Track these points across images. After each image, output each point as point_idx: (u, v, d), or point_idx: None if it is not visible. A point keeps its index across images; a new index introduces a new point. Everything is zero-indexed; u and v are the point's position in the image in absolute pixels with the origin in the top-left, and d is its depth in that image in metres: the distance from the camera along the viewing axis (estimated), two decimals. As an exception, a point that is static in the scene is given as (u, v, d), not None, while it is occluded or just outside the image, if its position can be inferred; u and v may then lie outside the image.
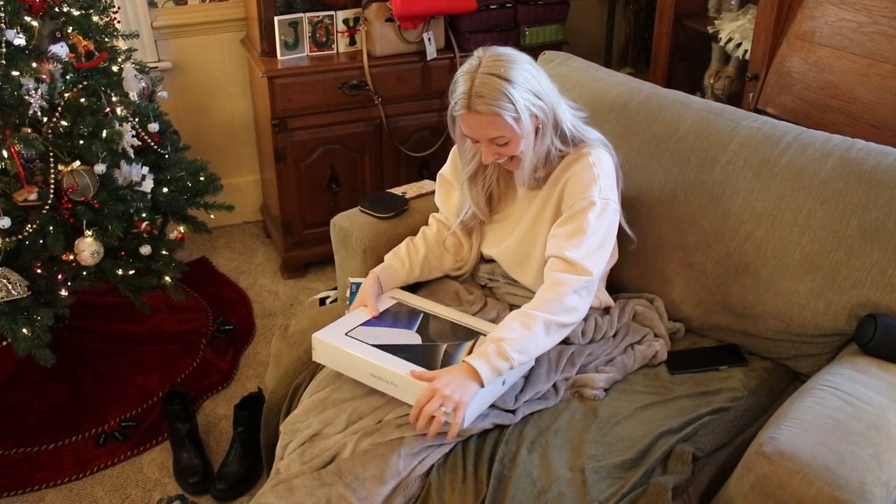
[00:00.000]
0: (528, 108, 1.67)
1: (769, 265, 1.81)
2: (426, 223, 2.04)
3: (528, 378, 1.77)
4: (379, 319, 1.83)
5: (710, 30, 2.86)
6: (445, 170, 2.02)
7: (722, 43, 2.80)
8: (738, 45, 2.73)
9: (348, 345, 1.72)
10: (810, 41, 2.35)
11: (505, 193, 1.94)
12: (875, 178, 1.70)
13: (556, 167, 1.80)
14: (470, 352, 1.72)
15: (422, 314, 1.85)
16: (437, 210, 2.06)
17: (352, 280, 1.99)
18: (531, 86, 1.67)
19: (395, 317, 1.85)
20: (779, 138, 1.86)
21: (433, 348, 1.73)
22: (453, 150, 1.96)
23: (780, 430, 1.42)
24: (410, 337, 1.77)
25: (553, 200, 1.81)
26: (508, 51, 1.69)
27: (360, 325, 1.80)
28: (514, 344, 1.61)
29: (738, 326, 1.89)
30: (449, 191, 2.01)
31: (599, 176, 1.75)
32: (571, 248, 1.70)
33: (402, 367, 1.66)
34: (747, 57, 2.63)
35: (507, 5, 3.03)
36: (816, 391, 1.52)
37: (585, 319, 1.87)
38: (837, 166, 1.75)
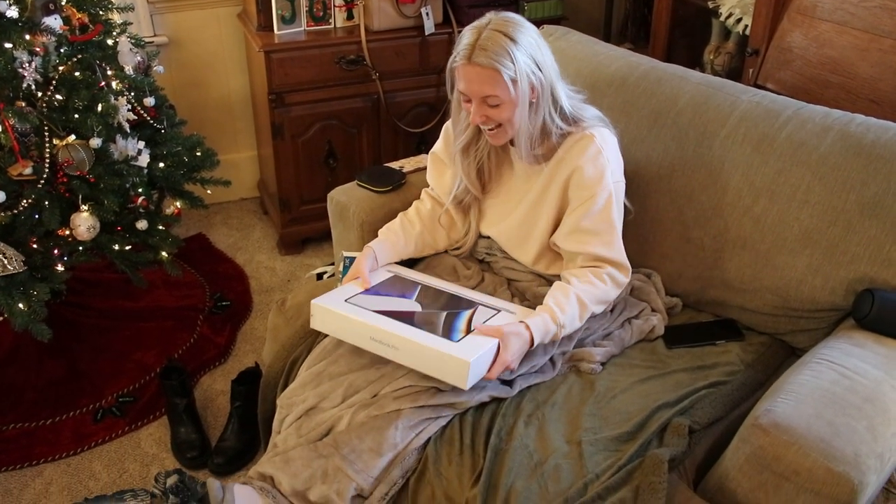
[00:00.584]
0: (527, 74, 1.67)
1: (767, 240, 1.80)
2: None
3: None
4: (378, 289, 1.82)
5: (711, 5, 2.84)
6: (437, 147, 2.02)
7: (722, 18, 2.78)
8: (739, 20, 2.71)
9: (348, 310, 1.72)
10: (811, 16, 2.33)
11: (497, 169, 1.93)
12: (874, 152, 1.70)
13: (559, 146, 1.79)
14: (469, 321, 1.71)
15: (420, 286, 1.85)
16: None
17: (345, 254, 1.98)
18: (534, 53, 1.68)
19: (393, 287, 1.84)
20: (778, 113, 1.85)
21: (433, 315, 1.73)
22: (445, 127, 1.96)
23: (777, 403, 1.42)
24: (410, 305, 1.77)
25: (559, 183, 1.80)
26: (519, 17, 1.71)
27: (360, 293, 1.80)
28: (565, 325, 1.70)
29: (736, 301, 1.89)
30: (441, 168, 2.00)
31: (609, 160, 1.77)
32: (603, 247, 1.78)
33: (405, 331, 1.65)
34: (747, 32, 2.61)
35: (506, -20, 3.00)
36: (813, 364, 1.53)
37: None
38: (837, 141, 1.75)
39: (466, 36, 1.68)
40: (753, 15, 2.55)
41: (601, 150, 1.76)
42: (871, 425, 1.38)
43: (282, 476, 1.63)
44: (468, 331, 1.67)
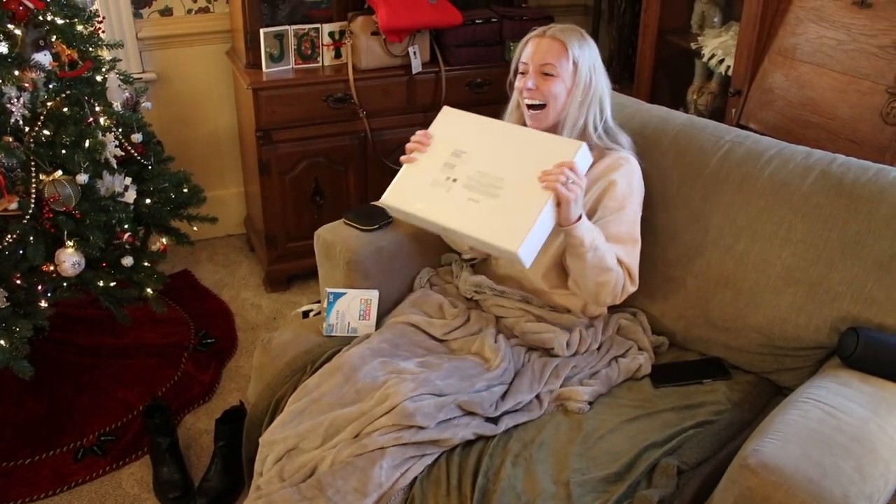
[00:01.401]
0: (587, 67, 1.87)
1: (750, 278, 1.82)
2: (410, 236, 2.04)
3: (510, 388, 1.76)
4: None
5: (694, 46, 2.89)
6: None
7: (705, 59, 2.83)
8: (721, 61, 2.76)
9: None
10: (792, 58, 2.38)
11: None
12: (855, 192, 1.72)
13: (597, 162, 1.88)
14: None
15: None
16: None
17: (329, 290, 1.98)
18: (595, 60, 1.90)
19: None
20: (761, 153, 1.88)
21: None
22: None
23: (764, 443, 1.42)
24: None
25: (591, 198, 1.87)
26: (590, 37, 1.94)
27: None
28: (598, 245, 1.78)
29: (720, 340, 1.90)
30: None
31: (639, 184, 1.91)
32: (624, 253, 1.84)
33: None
34: (730, 73, 2.66)
35: (493, 20, 3.05)
36: (800, 404, 1.53)
37: (570, 331, 1.88)
38: (818, 180, 1.77)
39: (542, 26, 1.92)
40: (735, 56, 2.60)
41: (635, 171, 1.89)
42: (859, 465, 1.38)
43: None
44: None
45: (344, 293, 2.00)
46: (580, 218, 1.73)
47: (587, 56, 1.87)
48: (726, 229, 1.86)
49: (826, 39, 2.27)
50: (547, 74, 1.85)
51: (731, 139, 1.94)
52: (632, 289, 1.87)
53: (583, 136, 1.88)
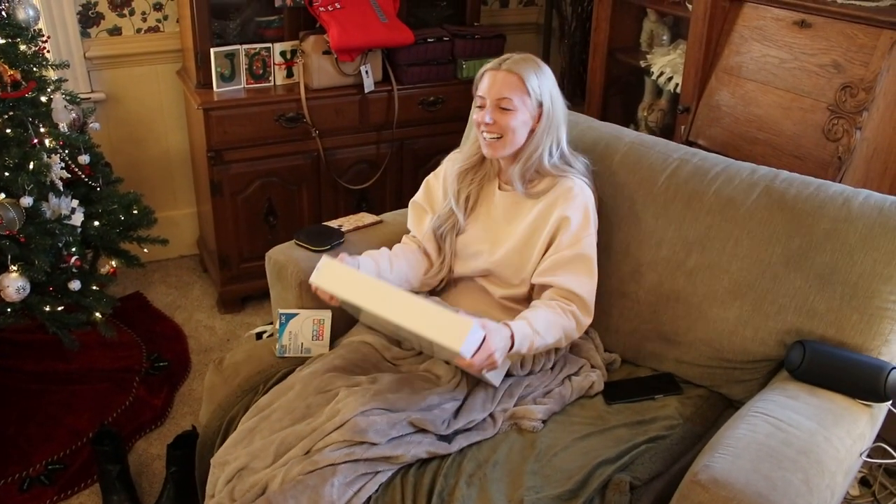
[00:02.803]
0: (544, 96, 1.87)
1: (699, 293, 1.85)
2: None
3: (462, 406, 1.76)
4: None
5: (643, 64, 2.94)
6: (418, 197, 2.12)
7: (654, 77, 2.87)
8: (670, 78, 2.80)
9: (357, 271, 1.73)
10: (737, 76, 2.43)
11: (481, 202, 2.02)
12: (797, 206, 1.76)
13: (550, 190, 1.90)
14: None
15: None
16: (378, 244, 2.07)
17: (281, 312, 1.97)
18: (552, 88, 1.90)
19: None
20: (707, 170, 1.91)
21: (437, 302, 1.79)
22: (427, 180, 2.11)
23: (714, 458, 1.44)
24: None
25: (549, 229, 1.88)
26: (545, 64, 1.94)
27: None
28: (541, 332, 1.74)
29: (672, 354, 1.92)
30: (422, 215, 2.10)
31: (591, 211, 1.89)
32: (577, 284, 1.85)
33: (408, 294, 1.64)
34: (678, 90, 2.70)
35: (445, 39, 3.06)
36: (749, 418, 1.55)
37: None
38: (762, 196, 1.81)
39: (497, 58, 1.91)
40: (683, 74, 2.65)
41: (588, 202, 1.89)
42: (807, 478, 1.40)
43: None
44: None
45: (296, 314, 1.99)
46: (512, 346, 1.69)
47: (545, 86, 1.88)
48: (678, 245, 1.89)
49: (769, 58, 2.33)
50: (504, 109, 1.85)
51: (679, 156, 1.98)
52: (587, 321, 1.87)
53: (539, 164, 1.90)
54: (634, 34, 3.09)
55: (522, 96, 1.85)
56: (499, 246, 1.96)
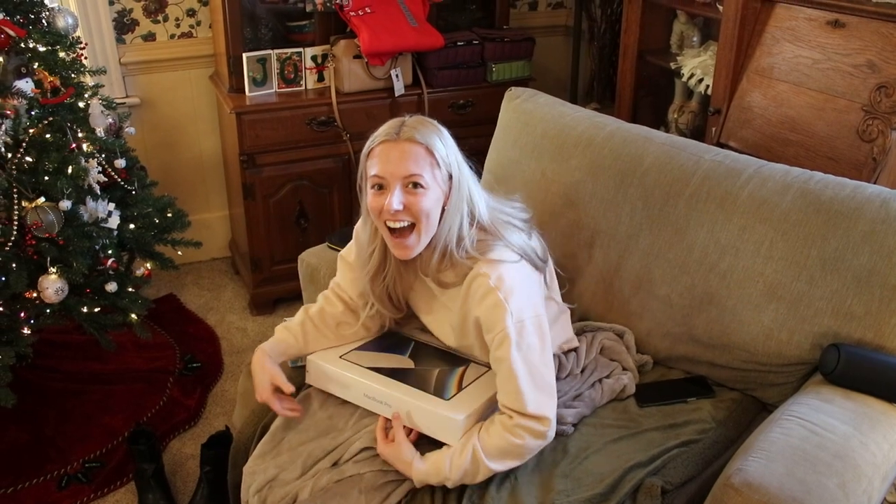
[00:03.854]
0: (455, 167, 1.58)
1: (733, 296, 1.83)
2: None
3: None
4: (372, 345, 1.83)
5: (673, 66, 2.92)
6: (348, 253, 1.83)
7: (684, 78, 2.86)
8: (700, 80, 2.79)
9: (342, 367, 1.74)
10: (769, 77, 2.41)
11: (411, 295, 1.81)
12: (833, 208, 1.74)
13: (464, 278, 1.60)
14: (461, 378, 1.71)
15: (413, 341, 1.85)
16: None
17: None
18: (456, 151, 1.61)
19: (388, 342, 1.85)
20: (740, 171, 1.90)
21: (426, 372, 1.74)
22: (357, 229, 1.79)
23: (748, 462, 1.43)
24: (404, 362, 1.77)
25: (472, 329, 1.65)
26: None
27: (354, 349, 1.81)
28: (450, 478, 1.56)
29: (705, 357, 1.91)
30: (352, 275, 1.84)
31: (507, 299, 1.53)
32: (507, 397, 1.55)
33: (398, 389, 1.66)
34: (709, 92, 2.69)
35: (475, 42, 3.07)
36: (783, 421, 1.54)
37: None
38: (797, 198, 1.79)
39: (386, 126, 1.59)
40: (714, 75, 2.63)
41: (495, 289, 1.54)
42: (843, 482, 1.39)
43: None
44: (459, 388, 1.68)
45: None
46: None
47: (451, 152, 1.59)
48: (710, 247, 1.87)
49: (802, 59, 2.31)
50: (416, 186, 1.53)
51: (711, 158, 1.96)
52: (542, 429, 1.55)
53: (449, 258, 1.60)
54: (664, 36, 3.08)
55: (433, 169, 1.55)
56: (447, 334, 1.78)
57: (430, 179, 1.55)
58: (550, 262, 1.83)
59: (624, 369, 1.93)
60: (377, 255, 1.69)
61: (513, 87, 2.42)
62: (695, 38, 2.96)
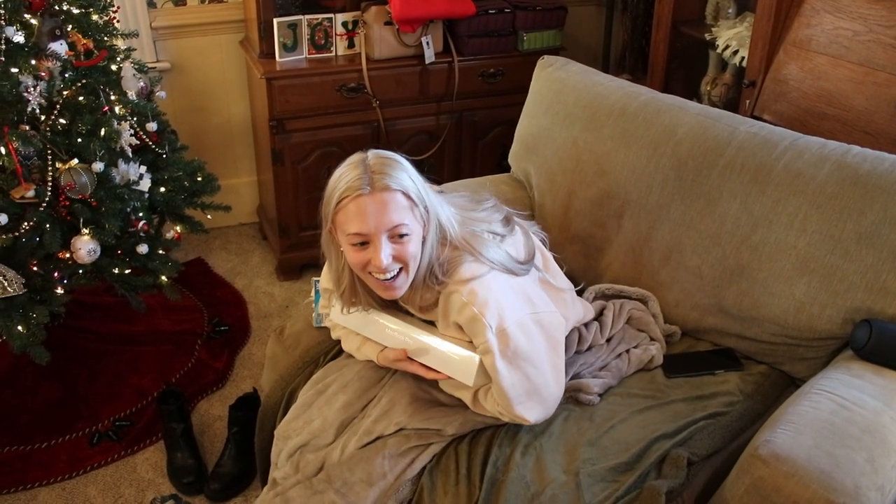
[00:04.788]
0: (423, 196, 1.53)
1: (765, 268, 1.82)
2: None
3: None
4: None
5: (708, 37, 2.87)
6: (326, 280, 1.76)
7: (719, 50, 2.81)
8: (735, 52, 2.74)
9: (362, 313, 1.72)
10: (807, 49, 2.36)
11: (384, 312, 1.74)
12: (871, 182, 1.71)
13: (439, 297, 1.58)
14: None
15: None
16: None
17: (315, 279, 1.94)
18: (417, 175, 1.55)
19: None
20: (776, 143, 1.87)
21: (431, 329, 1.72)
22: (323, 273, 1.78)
23: (776, 434, 1.42)
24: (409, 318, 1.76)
25: (453, 328, 1.61)
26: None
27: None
28: None
29: (734, 329, 1.90)
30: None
31: (483, 311, 1.51)
32: (500, 398, 1.57)
33: (419, 331, 1.66)
34: (744, 64, 2.64)
35: (506, 10, 3.04)
36: (812, 395, 1.53)
37: (568, 335, 1.83)
38: (834, 171, 1.76)
39: (348, 171, 1.49)
40: (750, 47, 2.58)
41: (467, 304, 1.52)
42: (871, 457, 1.38)
43: None
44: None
45: None
46: None
47: (419, 183, 1.52)
48: (743, 219, 1.85)
49: (842, 30, 2.26)
50: (402, 236, 1.49)
51: (746, 129, 1.94)
52: (524, 412, 1.57)
53: (430, 278, 1.57)
54: (699, 6, 3.02)
55: (413, 212, 1.49)
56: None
57: (412, 223, 1.50)
58: (540, 249, 1.82)
59: (652, 340, 1.92)
60: (348, 290, 1.65)
61: (545, 56, 2.40)
62: (731, 10, 2.90)
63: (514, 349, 1.54)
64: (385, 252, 1.47)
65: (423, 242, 1.54)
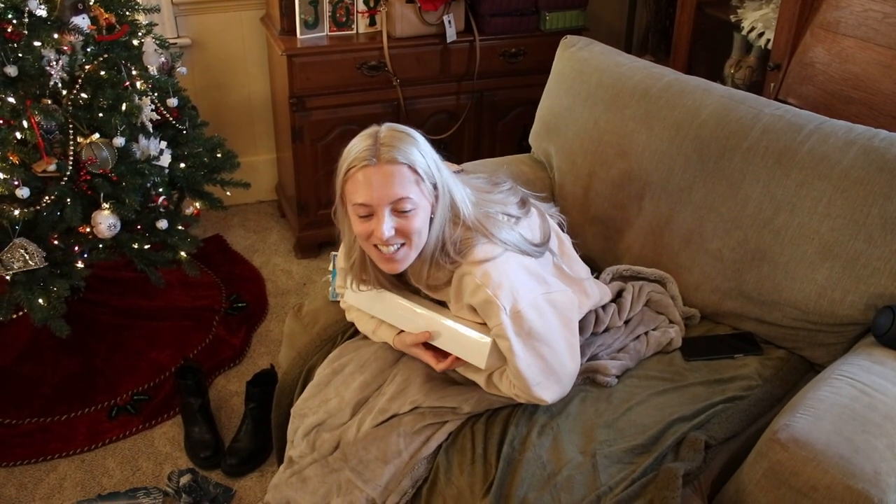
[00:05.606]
0: (434, 172, 1.52)
1: (787, 252, 1.80)
2: None
3: None
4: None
5: (733, 18, 2.83)
6: (343, 259, 1.76)
7: (744, 32, 2.77)
8: (761, 34, 2.70)
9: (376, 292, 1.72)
10: (835, 31, 2.32)
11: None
12: (898, 167, 1.69)
13: (452, 277, 1.58)
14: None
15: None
16: None
17: (334, 254, 1.92)
18: (431, 151, 1.55)
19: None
20: (801, 126, 1.85)
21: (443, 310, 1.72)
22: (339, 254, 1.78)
23: (795, 418, 1.41)
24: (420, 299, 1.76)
25: (469, 314, 1.62)
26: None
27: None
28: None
29: (754, 313, 1.88)
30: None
31: (496, 294, 1.51)
32: (516, 379, 1.57)
33: (432, 312, 1.65)
34: (769, 47, 2.60)
35: (529, -11, 3.01)
36: (832, 381, 1.52)
37: (585, 316, 1.82)
38: (860, 155, 1.73)
39: (359, 142, 1.50)
40: (776, 29, 2.54)
41: (481, 286, 1.52)
42: (892, 443, 1.37)
43: (300, 497, 1.64)
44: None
45: None
46: None
47: (431, 160, 1.52)
48: (765, 203, 1.83)
49: (872, 12, 2.22)
50: (406, 210, 1.49)
51: (771, 112, 1.91)
52: (541, 394, 1.58)
53: (442, 258, 1.57)
54: (725, -13, 2.99)
55: (418, 186, 1.49)
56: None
57: (418, 197, 1.50)
58: (556, 233, 1.81)
59: (671, 322, 1.91)
60: (357, 264, 1.67)
61: (568, 36, 2.38)
62: (757, -10, 2.86)
63: (529, 330, 1.54)
64: (387, 225, 1.48)
65: (432, 219, 1.54)
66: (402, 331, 1.70)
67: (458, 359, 1.63)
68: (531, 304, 1.55)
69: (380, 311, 1.73)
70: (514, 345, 1.52)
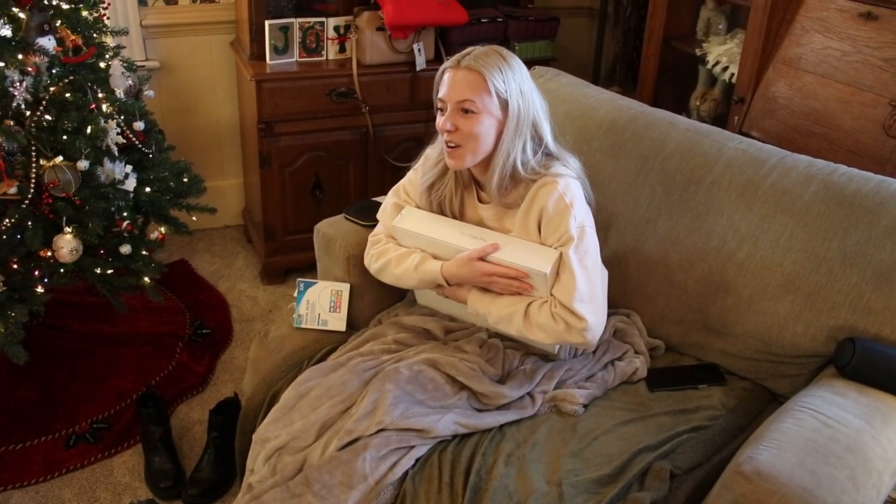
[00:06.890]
0: (511, 93, 1.68)
1: (750, 285, 1.82)
2: None
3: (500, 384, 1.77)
4: None
5: (698, 52, 2.89)
6: (401, 188, 1.97)
7: (709, 66, 2.83)
8: (725, 68, 2.76)
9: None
10: (796, 67, 2.38)
11: (461, 210, 1.88)
12: (856, 202, 1.73)
13: (528, 191, 1.74)
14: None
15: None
16: None
17: (300, 280, 2.01)
18: (521, 82, 1.71)
19: None
20: (763, 160, 1.89)
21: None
22: (428, 150, 1.92)
23: (759, 450, 1.42)
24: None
25: (532, 229, 1.76)
26: (514, 54, 1.76)
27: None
28: (495, 321, 1.78)
29: (718, 345, 1.90)
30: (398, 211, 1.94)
31: (573, 203, 1.71)
32: (562, 292, 1.69)
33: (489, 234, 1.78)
34: (734, 80, 2.66)
35: (498, 20, 3.04)
36: (795, 412, 1.53)
37: None
38: (820, 190, 1.77)
39: (464, 52, 1.72)
40: (740, 64, 2.60)
41: (563, 194, 1.70)
42: (853, 475, 1.38)
43: None
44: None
45: (315, 283, 2.01)
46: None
47: (513, 83, 1.69)
48: (729, 236, 1.86)
49: (831, 50, 2.28)
50: (467, 111, 1.68)
51: (734, 146, 1.95)
52: (581, 325, 1.68)
53: (514, 172, 1.73)
54: (691, 22, 3.05)
55: (485, 97, 1.67)
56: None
57: (482, 106, 1.67)
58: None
59: (636, 352, 1.93)
60: (439, 168, 1.84)
61: (537, 66, 2.41)
62: (721, 26, 2.93)
63: (586, 249, 1.71)
64: (449, 119, 1.69)
65: (501, 136, 1.70)
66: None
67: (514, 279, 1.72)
68: (591, 227, 1.75)
69: (438, 231, 1.81)
70: (573, 254, 1.68)
